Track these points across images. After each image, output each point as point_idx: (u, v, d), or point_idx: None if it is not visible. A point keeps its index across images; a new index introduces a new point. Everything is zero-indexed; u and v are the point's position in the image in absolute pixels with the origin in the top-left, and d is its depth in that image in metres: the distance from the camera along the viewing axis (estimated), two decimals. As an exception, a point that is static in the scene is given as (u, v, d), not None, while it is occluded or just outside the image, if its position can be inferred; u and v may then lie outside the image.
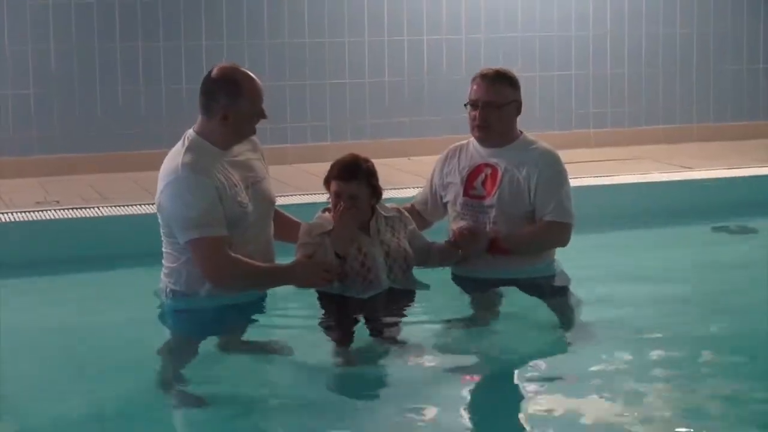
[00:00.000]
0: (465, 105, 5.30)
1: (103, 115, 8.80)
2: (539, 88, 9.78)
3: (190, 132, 4.85)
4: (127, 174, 8.51)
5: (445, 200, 5.41)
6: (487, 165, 5.28)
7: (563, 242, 5.28)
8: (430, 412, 3.99)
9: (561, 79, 9.86)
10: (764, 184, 7.68)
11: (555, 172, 5.23)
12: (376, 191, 4.97)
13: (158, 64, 8.87)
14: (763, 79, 10.39)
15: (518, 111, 5.29)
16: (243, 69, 4.85)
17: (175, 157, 4.77)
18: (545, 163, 5.23)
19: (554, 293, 5.23)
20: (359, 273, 4.93)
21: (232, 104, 4.72)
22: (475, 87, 5.26)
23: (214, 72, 4.81)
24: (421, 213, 5.50)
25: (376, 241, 4.97)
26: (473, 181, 5.29)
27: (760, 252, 6.39)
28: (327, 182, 4.98)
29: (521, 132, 5.35)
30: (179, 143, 4.85)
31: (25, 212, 6.69)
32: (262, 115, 4.82)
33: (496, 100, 5.20)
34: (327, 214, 5.00)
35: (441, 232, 5.39)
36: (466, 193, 5.29)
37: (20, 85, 8.62)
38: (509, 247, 5.17)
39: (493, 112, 5.20)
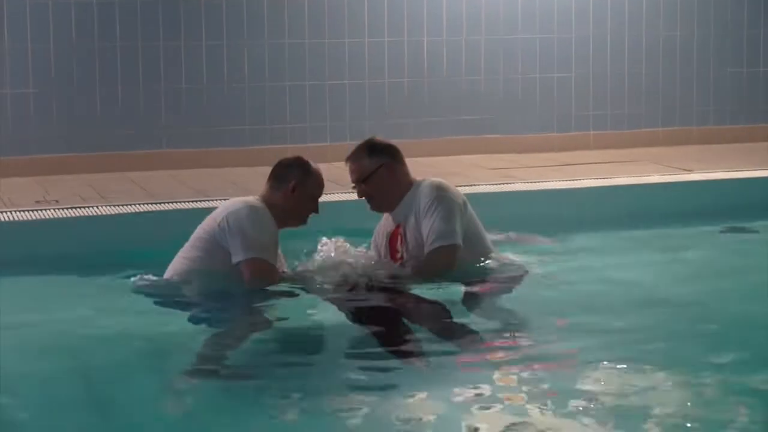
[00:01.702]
0: (352, 188, 5.48)
1: (103, 114, 8.80)
2: (539, 89, 9.79)
3: (255, 197, 5.23)
4: (126, 173, 8.51)
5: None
6: (397, 227, 5.44)
7: (447, 265, 5.28)
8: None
9: (561, 80, 9.85)
10: (763, 187, 7.68)
11: (426, 202, 5.29)
12: None
13: (158, 63, 8.87)
14: (763, 82, 10.39)
15: (390, 171, 5.37)
16: None
17: (249, 200, 5.19)
18: (420, 199, 5.32)
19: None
20: None
21: (303, 180, 5.19)
22: (347, 169, 5.46)
23: (292, 156, 5.38)
24: None
25: None
26: (394, 245, 5.44)
27: (759, 254, 6.38)
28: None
29: (413, 181, 5.43)
30: (249, 197, 5.23)
31: (24, 211, 6.69)
32: (316, 207, 5.26)
33: (361, 176, 5.37)
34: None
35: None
36: (393, 259, 5.45)
37: (20, 85, 8.62)
38: (405, 288, 5.27)
39: (365, 187, 5.38)
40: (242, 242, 4.99)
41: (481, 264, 5.45)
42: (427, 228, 5.24)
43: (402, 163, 5.44)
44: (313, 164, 5.27)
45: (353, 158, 5.42)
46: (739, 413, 3.89)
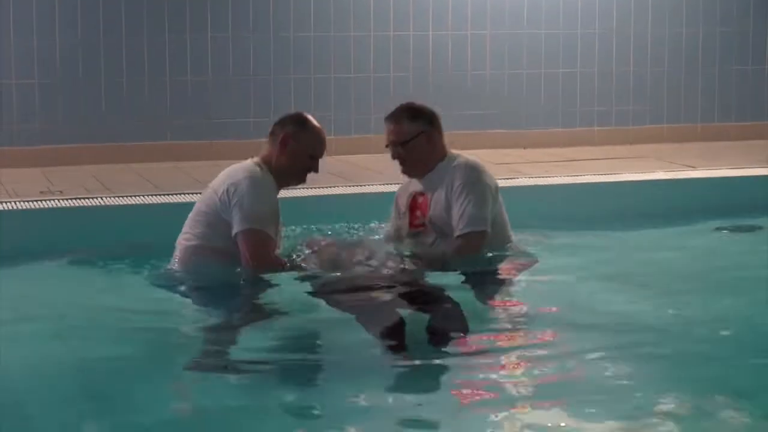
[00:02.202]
0: (386, 146, 5.44)
1: (108, 106, 8.81)
2: (544, 85, 9.78)
3: (255, 159, 5.15)
4: (130, 165, 8.52)
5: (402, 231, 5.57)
6: (420, 194, 5.43)
7: (474, 250, 5.30)
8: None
9: (566, 76, 9.85)
10: (767, 185, 7.68)
11: (462, 182, 5.29)
12: None
13: (163, 55, 8.87)
14: (769, 80, 10.40)
15: (429, 139, 5.37)
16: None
17: (249, 167, 5.09)
18: (455, 176, 5.31)
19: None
20: None
21: (296, 133, 5.10)
22: (385, 128, 5.42)
23: (293, 112, 5.30)
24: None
25: None
26: (415, 211, 5.45)
27: (761, 252, 6.38)
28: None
29: (447, 152, 5.43)
30: (248, 163, 5.14)
31: (28, 201, 6.70)
32: (315, 166, 5.15)
33: (399, 139, 5.34)
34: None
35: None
36: (412, 226, 5.45)
37: (25, 75, 8.62)
38: (426, 267, 5.26)
39: (402, 150, 5.35)
40: (241, 213, 4.96)
41: (502, 252, 5.46)
42: (459, 210, 5.24)
43: (440, 132, 5.43)
44: (311, 120, 5.20)
45: (394, 120, 5.38)
46: (735, 411, 3.91)
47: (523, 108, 9.74)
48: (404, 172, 5.44)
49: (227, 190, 5.01)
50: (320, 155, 5.17)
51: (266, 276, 5.12)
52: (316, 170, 5.17)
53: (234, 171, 5.10)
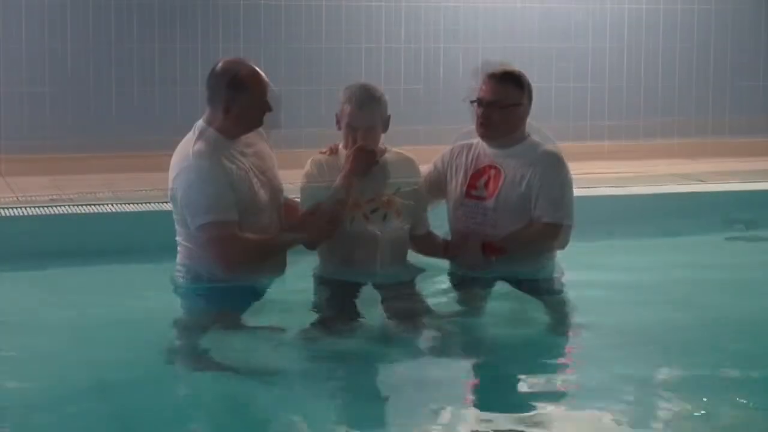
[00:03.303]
0: (471, 102, 5.27)
1: (118, 115, 8.82)
2: (555, 99, 9.78)
3: (199, 122, 4.96)
4: (140, 174, 8.50)
5: (447, 198, 5.39)
6: (491, 167, 5.25)
7: (559, 244, 5.25)
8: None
9: (576, 90, 9.85)
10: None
11: (553, 173, 5.19)
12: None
13: (174, 65, 8.88)
14: (780, 95, 10.39)
15: (524, 113, 5.26)
16: (247, 63, 5.01)
17: (185, 146, 4.90)
18: (545, 164, 5.21)
19: (550, 294, 5.24)
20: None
21: (234, 97, 4.86)
22: (483, 86, 5.25)
23: (219, 66, 4.98)
24: None
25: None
26: (476, 181, 5.26)
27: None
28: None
29: (528, 134, 5.31)
30: (189, 133, 4.96)
31: (37, 207, 6.70)
32: (266, 107, 4.94)
33: (499, 100, 5.18)
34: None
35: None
36: (467, 194, 5.27)
37: (35, 84, 8.64)
38: (504, 246, 5.13)
39: (497, 112, 5.18)
40: (190, 210, 4.79)
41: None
42: (548, 200, 5.13)
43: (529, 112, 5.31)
44: (244, 71, 4.93)
45: (501, 80, 5.24)
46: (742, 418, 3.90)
47: (534, 122, 9.72)
48: (483, 134, 5.25)
49: (174, 192, 4.84)
50: (266, 97, 4.95)
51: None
52: (270, 110, 4.96)
53: (175, 162, 4.90)
